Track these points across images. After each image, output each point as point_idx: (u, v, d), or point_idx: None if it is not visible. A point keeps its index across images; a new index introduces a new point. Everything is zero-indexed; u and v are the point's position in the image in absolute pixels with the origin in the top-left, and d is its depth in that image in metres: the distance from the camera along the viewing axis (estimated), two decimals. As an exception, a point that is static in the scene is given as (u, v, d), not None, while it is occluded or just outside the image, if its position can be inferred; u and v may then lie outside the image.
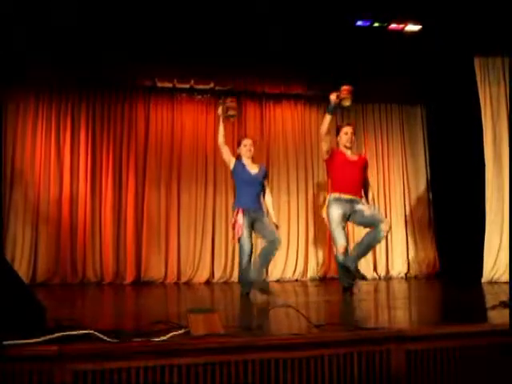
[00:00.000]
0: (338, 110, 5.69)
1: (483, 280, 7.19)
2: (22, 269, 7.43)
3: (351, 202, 5.67)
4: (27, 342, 2.55)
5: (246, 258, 5.69)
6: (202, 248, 8.34)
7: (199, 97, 8.64)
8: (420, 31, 7.27)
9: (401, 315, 4.30)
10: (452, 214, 8.39)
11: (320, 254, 8.75)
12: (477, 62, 7.55)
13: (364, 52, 7.75)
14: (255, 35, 7.11)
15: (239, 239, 5.74)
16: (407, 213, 9.14)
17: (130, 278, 7.96)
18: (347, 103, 5.58)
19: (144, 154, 8.37)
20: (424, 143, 9.40)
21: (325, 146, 5.79)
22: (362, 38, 7.32)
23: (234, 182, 6.18)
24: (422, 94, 9.10)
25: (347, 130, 5.88)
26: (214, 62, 7.79)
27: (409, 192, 9.22)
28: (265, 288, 5.72)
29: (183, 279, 8.17)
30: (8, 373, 2.43)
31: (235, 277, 8.29)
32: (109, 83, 8.26)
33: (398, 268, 8.90)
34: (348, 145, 5.84)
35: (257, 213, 5.79)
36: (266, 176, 6.09)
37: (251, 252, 5.74)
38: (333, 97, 5.52)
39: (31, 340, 2.57)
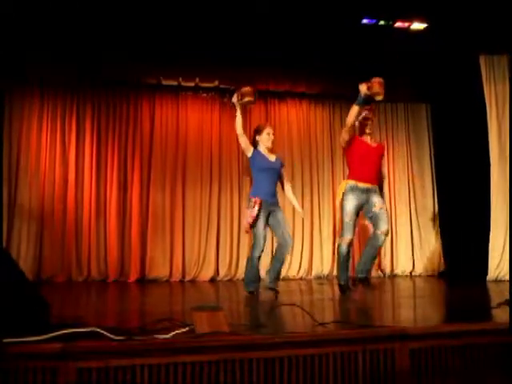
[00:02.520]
0: (367, 103, 5.41)
1: (488, 278, 7.18)
2: (26, 266, 7.44)
3: (367, 191, 5.49)
4: (31, 340, 2.55)
5: (257, 254, 5.45)
6: (206, 246, 8.35)
7: (204, 95, 8.64)
8: (425, 29, 7.25)
9: (405, 313, 4.30)
10: (457, 212, 8.36)
11: (325, 252, 8.75)
12: (482, 60, 7.53)
13: (369, 50, 7.73)
14: (260, 33, 7.11)
15: (254, 231, 5.46)
16: (412, 211, 9.13)
17: (134, 275, 7.98)
18: (380, 98, 5.29)
19: (149, 153, 8.38)
20: (429, 142, 9.39)
21: (347, 137, 5.54)
22: (368, 36, 7.31)
23: (251, 172, 5.78)
24: (427, 93, 9.08)
25: (367, 115, 5.64)
26: (219, 60, 7.78)
27: (414, 190, 9.20)
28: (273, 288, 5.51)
29: (188, 277, 8.18)
30: (11, 371, 2.43)
31: (240, 274, 8.30)
32: (113, 82, 8.27)
33: (403, 266, 8.90)
34: (368, 131, 5.63)
35: (273, 206, 5.55)
36: (282, 165, 5.82)
37: (263, 248, 5.50)
38: (363, 88, 5.24)
39: (35, 338, 2.57)
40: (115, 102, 8.39)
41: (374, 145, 5.66)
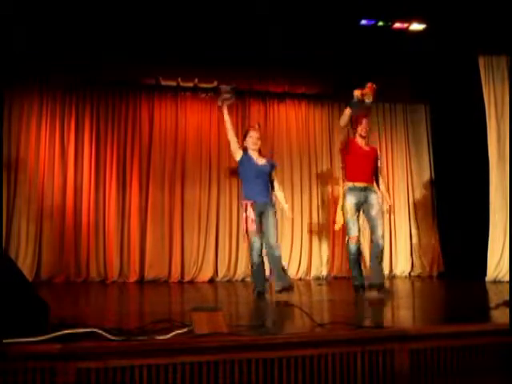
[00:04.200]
0: (358, 105, 5.79)
1: (487, 279, 7.18)
2: (25, 267, 7.43)
3: (365, 189, 5.91)
4: (30, 341, 2.55)
5: (255, 254, 5.55)
6: (205, 247, 8.35)
7: (203, 95, 8.64)
8: (424, 30, 7.25)
9: (404, 314, 4.30)
10: (456, 213, 8.37)
11: (324, 252, 8.75)
12: (481, 61, 7.52)
13: (368, 51, 7.73)
14: (258, 34, 7.11)
15: (249, 234, 5.58)
16: (411, 212, 9.13)
17: (133, 276, 7.97)
18: (369, 99, 5.66)
19: (148, 153, 8.38)
20: (428, 142, 9.39)
21: (341, 137, 6.11)
22: (366, 37, 7.31)
23: (239, 176, 5.95)
24: (426, 93, 9.08)
25: (363, 120, 6.07)
26: (218, 60, 7.77)
27: (413, 191, 9.21)
28: (287, 286, 5.47)
29: (187, 278, 8.17)
30: (11, 371, 2.43)
31: (239, 275, 8.30)
32: (113, 82, 8.26)
33: (402, 267, 8.90)
34: (363, 134, 6.02)
35: (265, 206, 5.61)
36: (273, 168, 5.91)
37: (261, 247, 5.59)
38: (357, 92, 5.61)
39: (34, 338, 2.57)
40: (114, 102, 8.39)
41: (366, 148, 6.07)
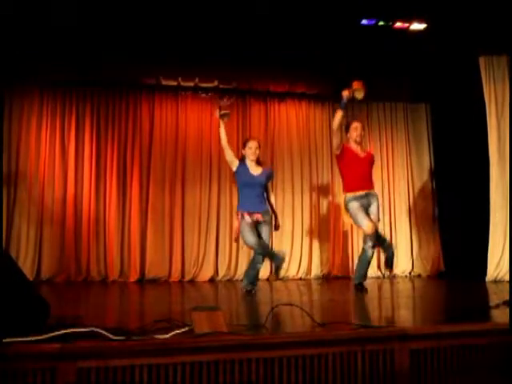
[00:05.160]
0: (349, 104, 5.97)
1: (487, 279, 7.17)
2: (26, 266, 7.44)
3: (366, 196, 5.88)
4: (30, 340, 2.55)
5: (259, 259, 5.68)
6: (206, 246, 8.34)
7: (203, 95, 8.63)
8: (425, 30, 7.25)
9: (405, 314, 4.30)
10: (456, 213, 8.36)
11: (324, 252, 8.74)
12: (482, 60, 7.51)
13: (369, 51, 7.73)
14: (258, 34, 7.11)
15: (245, 242, 5.75)
16: (411, 211, 9.13)
17: (134, 276, 7.97)
18: (360, 95, 5.66)
19: (148, 153, 8.37)
20: (428, 141, 9.38)
21: (335, 141, 5.98)
22: (367, 36, 7.31)
23: (236, 185, 6.09)
24: (426, 93, 9.07)
25: (356, 125, 6.03)
26: (219, 60, 7.77)
27: (413, 190, 9.21)
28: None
29: (187, 277, 8.17)
30: (11, 371, 2.43)
31: (239, 275, 8.28)
32: (113, 82, 8.26)
33: (402, 266, 8.89)
34: (358, 140, 5.97)
35: (260, 215, 5.75)
36: (270, 179, 6.02)
37: (265, 247, 5.70)
38: (345, 92, 5.63)
39: (34, 338, 2.57)
40: (115, 102, 8.38)
41: (362, 154, 6.03)
